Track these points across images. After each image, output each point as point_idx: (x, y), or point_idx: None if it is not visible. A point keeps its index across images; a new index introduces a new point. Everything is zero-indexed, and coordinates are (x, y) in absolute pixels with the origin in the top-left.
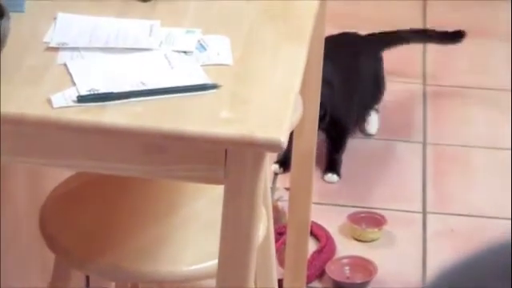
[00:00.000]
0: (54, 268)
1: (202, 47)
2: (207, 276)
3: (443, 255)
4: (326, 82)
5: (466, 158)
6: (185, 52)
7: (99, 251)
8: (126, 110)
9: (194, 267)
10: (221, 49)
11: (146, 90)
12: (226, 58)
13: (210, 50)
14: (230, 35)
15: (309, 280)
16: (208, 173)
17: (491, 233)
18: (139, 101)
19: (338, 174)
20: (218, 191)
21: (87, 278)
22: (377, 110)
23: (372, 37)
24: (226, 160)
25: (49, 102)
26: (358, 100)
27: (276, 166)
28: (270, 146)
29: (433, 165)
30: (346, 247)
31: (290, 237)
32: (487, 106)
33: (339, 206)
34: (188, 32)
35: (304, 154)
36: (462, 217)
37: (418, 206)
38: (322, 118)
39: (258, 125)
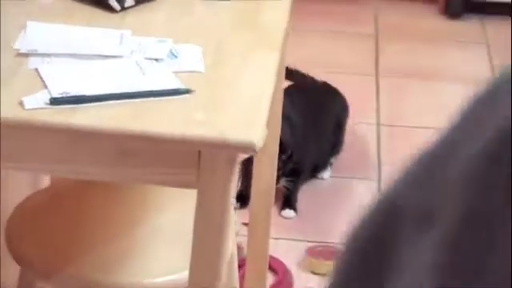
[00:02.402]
0: (19, 279)
1: (173, 55)
2: None
3: None
4: (289, 123)
5: None
6: (156, 59)
7: (64, 263)
8: (99, 113)
9: (158, 280)
10: (192, 57)
11: (118, 94)
12: (198, 65)
13: (181, 58)
14: (201, 44)
15: None
16: (181, 176)
17: None
18: (112, 104)
19: (295, 210)
20: (184, 205)
21: None
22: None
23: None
24: (200, 163)
25: (20, 103)
26: (321, 146)
27: (233, 201)
28: (244, 147)
29: None
30: (304, 281)
31: (248, 270)
32: None
33: (296, 240)
34: (159, 41)
35: (263, 189)
36: None
37: None
38: (286, 162)
39: (231, 127)
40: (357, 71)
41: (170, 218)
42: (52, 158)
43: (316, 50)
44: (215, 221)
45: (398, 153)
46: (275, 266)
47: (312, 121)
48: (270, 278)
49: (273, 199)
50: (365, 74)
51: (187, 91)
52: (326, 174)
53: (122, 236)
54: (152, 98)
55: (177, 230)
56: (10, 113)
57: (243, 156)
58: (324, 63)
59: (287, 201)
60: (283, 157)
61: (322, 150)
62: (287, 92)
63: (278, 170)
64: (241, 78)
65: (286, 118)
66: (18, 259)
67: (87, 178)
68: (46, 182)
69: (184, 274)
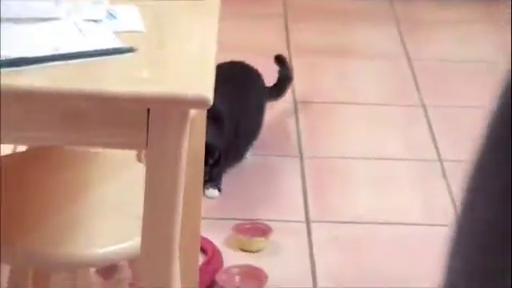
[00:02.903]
0: None
1: (111, 16)
2: (122, 257)
3: (330, 261)
4: (217, 119)
5: (343, 169)
6: (95, 21)
7: (8, 236)
8: (43, 74)
9: (105, 249)
10: (130, 17)
11: (60, 55)
12: (137, 24)
13: (119, 19)
14: (138, 5)
15: None
16: (129, 138)
17: (375, 238)
18: (55, 65)
19: (219, 189)
20: (127, 175)
21: None
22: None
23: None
24: (148, 123)
25: None
26: (246, 131)
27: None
28: (197, 102)
29: (311, 177)
30: (233, 258)
31: (180, 250)
32: (358, 120)
33: (222, 219)
34: (95, 2)
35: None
36: (345, 224)
37: (301, 216)
38: (212, 166)
39: (180, 82)
40: (270, 52)
41: (115, 188)
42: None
43: (228, 33)
44: (166, 182)
45: (317, 129)
46: (204, 246)
47: (238, 107)
48: (200, 258)
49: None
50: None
51: (130, 49)
52: (248, 154)
53: (67, 207)
54: (95, 58)
55: (121, 200)
56: None
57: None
58: (236, 45)
59: (210, 179)
60: (210, 161)
61: (247, 135)
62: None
63: (204, 174)
64: (182, 36)
65: (213, 114)
66: None
67: (35, 144)
68: None
69: (131, 244)
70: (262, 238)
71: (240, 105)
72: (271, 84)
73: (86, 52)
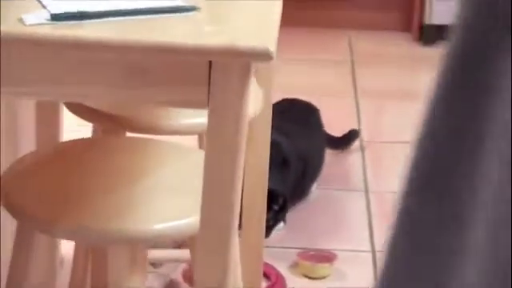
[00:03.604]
0: (17, 235)
1: None
2: (179, 235)
3: None
4: (284, 164)
5: None
6: None
7: (65, 213)
8: (107, 27)
9: (165, 225)
10: None
11: (123, 10)
12: None
13: None
14: None
15: None
16: (191, 95)
17: None
18: (116, 20)
19: (284, 221)
20: (186, 160)
21: None
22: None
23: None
24: (210, 79)
25: (20, 20)
26: (310, 173)
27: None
28: (258, 54)
29: (377, 210)
30: (297, 285)
31: (243, 275)
32: None
33: (287, 248)
34: None
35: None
36: None
37: (367, 246)
38: (277, 212)
39: (244, 35)
40: (337, 94)
41: (175, 171)
42: (56, 79)
43: (296, 77)
44: (228, 140)
45: (381, 165)
46: (267, 271)
47: (305, 148)
48: (263, 283)
49: (265, 197)
50: (344, 97)
51: (194, 8)
52: (314, 188)
53: (124, 187)
54: (159, 15)
55: (181, 182)
56: (10, 28)
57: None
58: (304, 87)
59: (275, 224)
60: (275, 207)
61: (313, 173)
62: (280, 127)
63: (268, 220)
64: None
65: (281, 159)
66: (15, 212)
67: (94, 101)
68: None
69: (188, 221)
70: (327, 265)
71: (306, 144)
72: (340, 135)
73: (149, 9)
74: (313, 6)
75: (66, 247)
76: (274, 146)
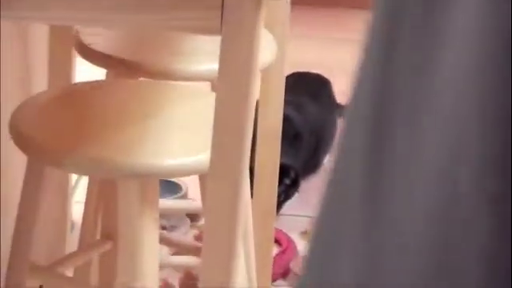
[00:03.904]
0: (27, 171)
1: None
2: (189, 171)
3: None
4: (296, 139)
5: None
6: None
7: (76, 146)
8: None
9: (175, 161)
10: None
11: None
12: None
13: None
14: None
15: (273, 278)
16: (204, 21)
17: None
18: None
19: (297, 191)
20: (197, 101)
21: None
22: None
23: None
24: (223, 3)
25: None
26: (323, 147)
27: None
28: None
29: None
30: None
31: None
32: None
33: (299, 216)
34: None
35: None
36: None
37: None
38: (289, 187)
39: None
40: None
41: (186, 110)
42: (68, 4)
43: (310, 52)
44: (240, 67)
45: None
46: (278, 237)
47: (317, 122)
48: (274, 249)
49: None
50: None
51: None
52: (326, 160)
53: (136, 124)
54: None
55: (192, 121)
56: None
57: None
58: (316, 63)
59: (287, 199)
60: (287, 181)
61: (325, 147)
62: (292, 101)
63: (279, 195)
64: None
65: (292, 134)
66: (25, 146)
67: (107, 27)
68: None
69: (198, 158)
70: None
71: (318, 117)
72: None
73: None
74: None
75: (77, 212)
76: (286, 120)
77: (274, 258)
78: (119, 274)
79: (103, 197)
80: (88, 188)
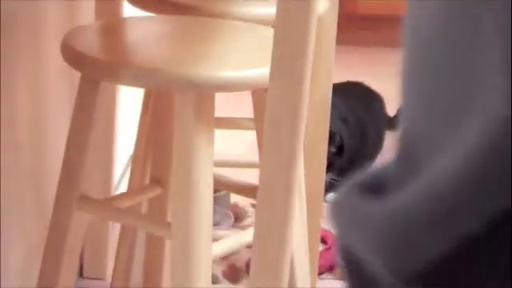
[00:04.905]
0: (80, 87)
1: None
2: (250, 84)
3: None
4: (343, 119)
5: None
6: None
7: (130, 58)
8: None
9: (231, 73)
10: None
11: None
12: None
13: None
14: None
15: (320, 272)
16: None
17: None
18: None
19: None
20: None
21: (81, 267)
22: None
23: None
24: None
25: None
26: (370, 143)
27: None
28: None
29: None
30: None
31: None
32: None
33: None
34: None
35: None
36: None
37: None
38: (335, 156)
39: None
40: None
41: (242, 37)
42: None
43: (360, 59)
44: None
45: None
46: (324, 236)
47: (363, 116)
48: (320, 247)
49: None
50: None
51: None
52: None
53: (193, 46)
54: None
55: (250, 45)
56: None
57: None
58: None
59: (330, 184)
60: (332, 149)
61: (373, 144)
62: (339, 90)
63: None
64: None
65: (339, 115)
66: (77, 62)
67: None
68: None
69: (256, 72)
70: None
71: (365, 115)
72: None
73: None
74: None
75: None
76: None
77: (321, 252)
78: (172, 218)
79: (153, 139)
80: (139, 125)
